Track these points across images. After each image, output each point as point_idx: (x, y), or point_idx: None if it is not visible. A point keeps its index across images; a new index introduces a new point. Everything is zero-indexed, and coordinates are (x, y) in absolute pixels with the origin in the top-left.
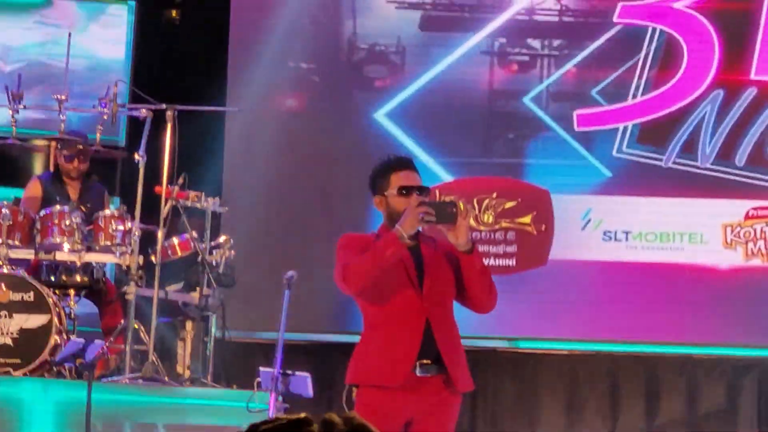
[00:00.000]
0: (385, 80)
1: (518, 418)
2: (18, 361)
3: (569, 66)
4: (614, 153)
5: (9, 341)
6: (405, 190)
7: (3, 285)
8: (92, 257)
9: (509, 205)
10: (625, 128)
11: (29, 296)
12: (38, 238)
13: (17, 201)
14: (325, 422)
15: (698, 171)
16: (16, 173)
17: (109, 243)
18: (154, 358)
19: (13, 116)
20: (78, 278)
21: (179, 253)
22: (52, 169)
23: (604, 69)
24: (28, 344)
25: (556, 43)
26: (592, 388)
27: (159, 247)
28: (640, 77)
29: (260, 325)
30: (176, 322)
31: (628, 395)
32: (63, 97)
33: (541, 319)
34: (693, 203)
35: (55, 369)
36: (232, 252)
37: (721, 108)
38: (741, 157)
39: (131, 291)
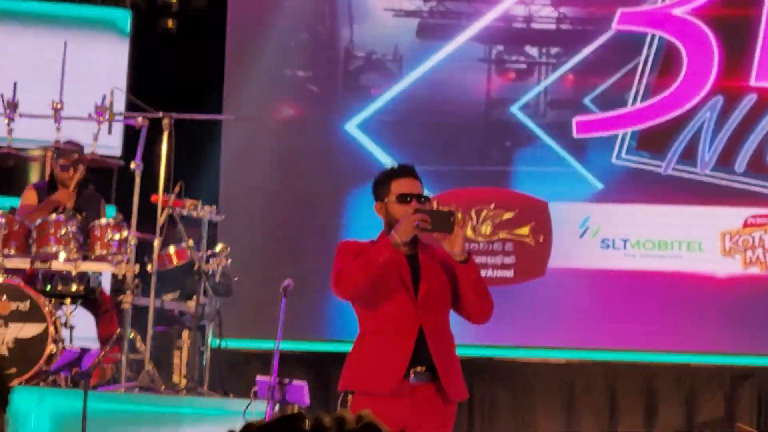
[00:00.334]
0: (382, 88)
1: (515, 428)
2: (14, 370)
3: (567, 73)
4: (613, 160)
5: (5, 351)
6: (404, 198)
7: (5, 296)
8: (88, 266)
9: (507, 216)
10: (624, 135)
11: (25, 305)
12: (34, 247)
13: (13, 210)
14: (317, 419)
15: (697, 178)
16: (11, 182)
17: (105, 252)
18: (150, 367)
19: (8, 125)
20: (74, 287)
21: (175, 262)
22: (47, 178)
23: (602, 76)
24: (24, 353)
25: (553, 50)
26: (589, 397)
27: (155, 256)
28: (639, 83)
29: (257, 333)
30: (172, 331)
31: (625, 404)
32: (59, 106)
33: (538, 328)
34: (692, 211)
35: (51, 378)
36: (229, 261)
37: (720, 114)
38: (741, 164)
39: (127, 300)
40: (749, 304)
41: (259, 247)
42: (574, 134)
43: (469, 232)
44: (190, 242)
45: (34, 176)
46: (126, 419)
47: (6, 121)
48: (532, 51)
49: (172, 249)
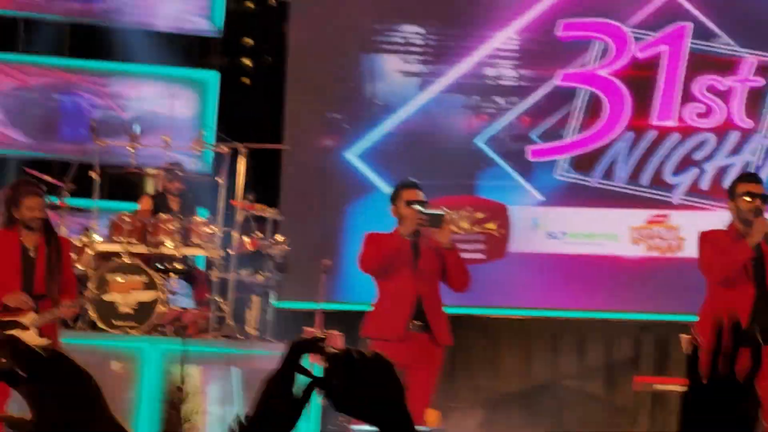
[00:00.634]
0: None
1: (485, 364)
2: (135, 324)
3: (521, 115)
4: (556, 176)
5: (130, 310)
6: (409, 203)
7: (130, 272)
8: (187, 251)
9: (479, 215)
10: (563, 160)
11: (143, 278)
12: (149, 238)
13: (135, 212)
14: (347, 350)
15: (614, 189)
16: (133, 192)
17: (199, 241)
18: (230, 322)
19: (132, 152)
20: (177, 266)
21: (249, 248)
22: (159, 189)
23: (545, 117)
24: (143, 313)
25: (512, 99)
26: (537, 342)
27: (235, 243)
28: (573, 123)
29: (305, 297)
30: (246, 296)
31: (563, 347)
32: (168, 139)
33: (502, 294)
34: (610, 212)
35: (160, 330)
36: (286, 247)
37: (631, 145)
38: (645, 179)
39: (215, 274)
40: (650, 276)
41: (306, 238)
42: (529, 158)
43: (454, 227)
44: (259, 234)
45: (149, 188)
46: (213, 358)
47: (131, 149)
48: (499, 99)
49: (246, 239)
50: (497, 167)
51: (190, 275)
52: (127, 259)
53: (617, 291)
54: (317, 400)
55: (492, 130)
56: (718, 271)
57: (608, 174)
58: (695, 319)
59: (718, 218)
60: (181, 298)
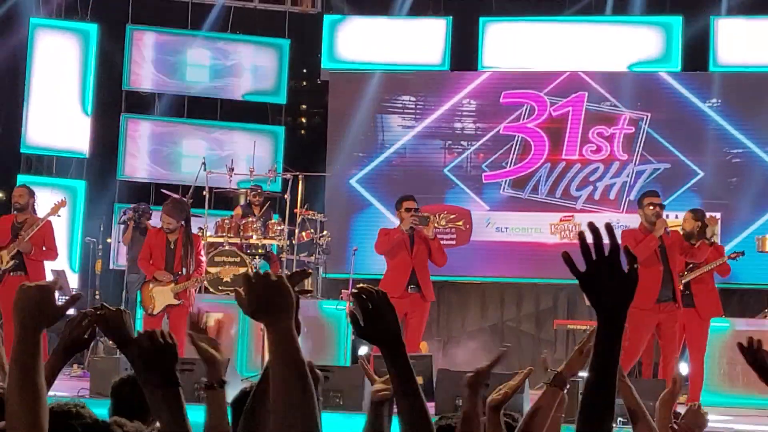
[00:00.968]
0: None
1: (458, 314)
2: (232, 289)
3: (476, 152)
4: (501, 192)
5: (229, 280)
6: (408, 210)
7: (226, 256)
8: (265, 242)
9: (452, 216)
10: (505, 181)
11: (237, 259)
12: (241, 233)
13: (231, 217)
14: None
15: (538, 200)
16: (230, 204)
17: (273, 235)
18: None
19: (229, 178)
20: (259, 251)
21: (305, 239)
22: (247, 201)
23: (493, 153)
24: (237, 281)
25: (472, 142)
26: (491, 299)
27: (296, 236)
28: (511, 157)
29: (341, 271)
30: (304, 269)
31: (508, 300)
32: (253, 170)
33: (466, 266)
34: (536, 214)
35: (244, 279)
36: (330, 239)
37: (549, 171)
38: (558, 193)
39: (283, 256)
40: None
41: (344, 233)
42: (483, 180)
43: (436, 224)
44: (311, 230)
45: (240, 201)
46: None
47: (228, 176)
48: (462, 142)
49: (304, 233)
50: (458, 187)
51: (267, 257)
52: (227, 247)
53: (541, 264)
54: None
55: (456, 163)
56: (637, 255)
57: (534, 190)
58: None
59: (606, 218)
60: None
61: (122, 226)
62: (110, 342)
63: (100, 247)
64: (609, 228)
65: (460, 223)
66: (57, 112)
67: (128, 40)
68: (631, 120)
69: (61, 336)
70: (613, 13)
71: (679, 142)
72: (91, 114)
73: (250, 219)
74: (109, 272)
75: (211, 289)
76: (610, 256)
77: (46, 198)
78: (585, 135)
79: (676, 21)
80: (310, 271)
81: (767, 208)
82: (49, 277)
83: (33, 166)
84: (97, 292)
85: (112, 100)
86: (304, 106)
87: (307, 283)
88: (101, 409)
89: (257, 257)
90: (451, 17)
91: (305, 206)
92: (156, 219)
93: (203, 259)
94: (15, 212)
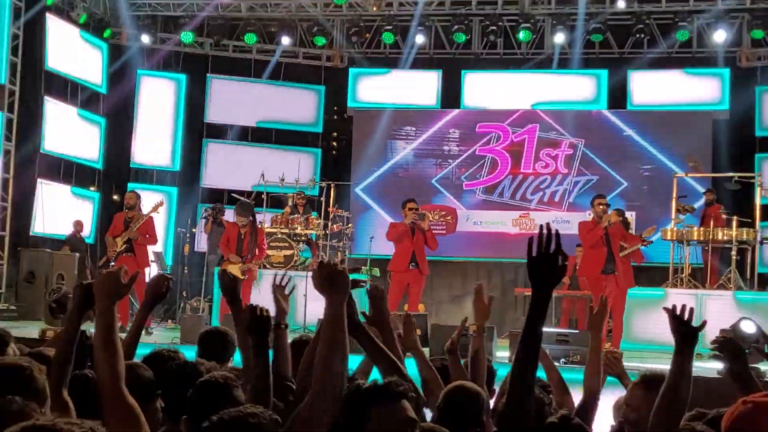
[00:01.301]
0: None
1: (445, 284)
2: (283, 266)
3: (458, 167)
4: (476, 196)
5: (281, 260)
6: (410, 210)
7: (279, 242)
8: (307, 231)
9: (442, 213)
10: (479, 188)
11: (286, 244)
12: (289, 225)
13: (282, 213)
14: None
15: (504, 202)
16: (281, 205)
17: (312, 227)
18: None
19: (281, 186)
20: (302, 239)
21: (335, 230)
22: (293, 203)
23: (469, 168)
24: (287, 261)
25: (455, 159)
26: (465, 273)
27: (329, 228)
28: (482, 171)
29: (362, 253)
30: (335, 252)
31: (481, 274)
32: (297, 179)
33: (453, 249)
34: (502, 212)
35: (317, 264)
36: (353, 230)
37: (511, 182)
38: (517, 197)
39: (320, 243)
40: (521, 241)
41: (366, 226)
42: (463, 188)
43: (430, 219)
44: (340, 224)
45: (289, 202)
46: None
47: (280, 185)
48: (449, 159)
49: (334, 225)
50: (445, 193)
51: (309, 243)
52: (279, 235)
53: (505, 248)
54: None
55: (444, 174)
56: (589, 240)
57: (500, 194)
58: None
59: (552, 216)
60: (303, 255)
61: (203, 221)
62: (194, 303)
63: (188, 235)
64: (557, 233)
65: (449, 218)
66: (156, 138)
67: (208, 85)
68: (570, 144)
69: (145, 293)
70: (558, 68)
71: (605, 160)
72: (181, 139)
73: (296, 215)
74: (194, 254)
75: (267, 267)
76: (553, 253)
77: (148, 200)
78: (537, 155)
79: (604, 73)
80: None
81: (668, 208)
82: (151, 257)
83: (140, 177)
84: (185, 268)
85: (196, 129)
86: (335, 134)
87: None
88: (190, 352)
89: (300, 243)
90: (441, 70)
91: (335, 206)
92: (228, 215)
93: (265, 247)
94: (126, 210)
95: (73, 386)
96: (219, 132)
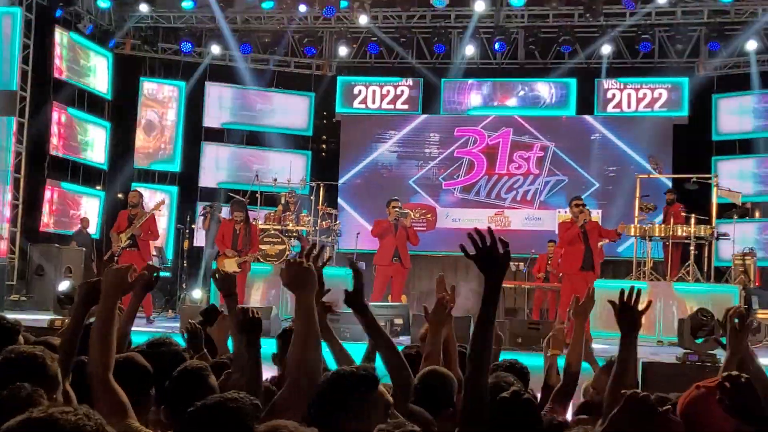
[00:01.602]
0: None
1: (424, 280)
2: (276, 260)
3: (436, 167)
4: (454, 195)
5: (273, 254)
6: (393, 208)
7: (272, 237)
8: (298, 228)
9: (423, 211)
10: (457, 187)
11: (279, 240)
12: (281, 222)
13: (275, 211)
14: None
15: (480, 200)
16: (275, 203)
17: (303, 223)
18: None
19: (274, 186)
20: (294, 235)
21: (324, 227)
22: (285, 201)
23: (446, 169)
24: (279, 255)
25: (432, 161)
26: (446, 265)
27: (318, 224)
28: (459, 172)
29: (349, 247)
30: (324, 247)
31: (459, 267)
32: (289, 179)
33: (433, 244)
34: (478, 210)
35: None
36: (339, 226)
37: (486, 182)
38: (492, 196)
39: (309, 238)
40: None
41: (349, 222)
42: (443, 187)
43: (412, 216)
44: (329, 221)
45: (282, 200)
46: None
47: (273, 184)
48: (429, 161)
49: (323, 222)
50: (423, 192)
51: (299, 238)
52: (272, 231)
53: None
54: None
55: (424, 174)
56: (567, 238)
57: (477, 194)
58: (526, 256)
59: (524, 214)
60: (295, 249)
61: (201, 218)
62: (194, 296)
63: (187, 231)
64: (489, 230)
65: (429, 215)
66: (158, 140)
67: (206, 92)
68: (542, 147)
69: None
70: (530, 76)
71: (575, 162)
72: (181, 142)
73: (288, 213)
74: (193, 248)
75: (261, 260)
76: (492, 245)
77: (151, 198)
78: (511, 157)
79: (573, 81)
80: (327, 258)
81: (632, 207)
82: (153, 252)
83: (142, 177)
84: (185, 261)
85: (195, 133)
86: (324, 137)
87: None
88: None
89: (292, 238)
90: (422, 79)
91: (324, 204)
92: (225, 212)
93: (258, 241)
94: (130, 208)
95: (73, 372)
96: (216, 135)
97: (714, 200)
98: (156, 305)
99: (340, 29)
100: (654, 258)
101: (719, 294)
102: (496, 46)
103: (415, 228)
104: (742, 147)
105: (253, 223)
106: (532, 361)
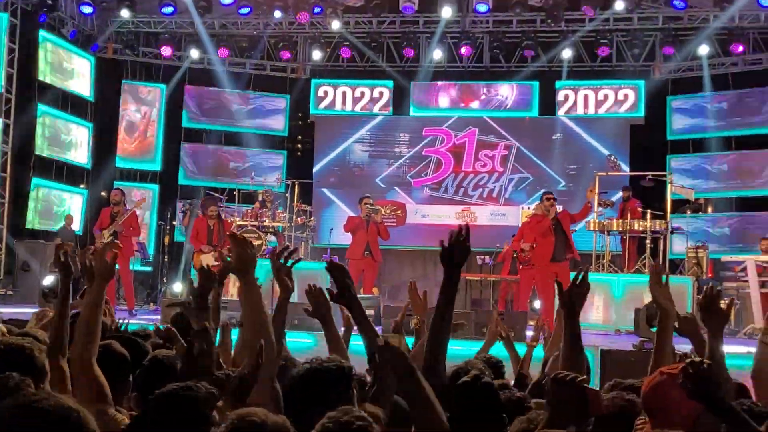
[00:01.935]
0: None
1: (395, 273)
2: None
3: (406, 165)
4: (423, 192)
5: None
6: (365, 205)
7: (249, 233)
8: (274, 224)
9: (393, 207)
10: (427, 185)
11: (255, 235)
12: (258, 218)
13: (252, 208)
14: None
15: (448, 197)
16: (252, 200)
17: (279, 220)
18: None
19: (251, 182)
20: (270, 231)
21: (299, 223)
22: (262, 198)
23: (425, 169)
24: (255, 251)
25: (407, 160)
26: (416, 258)
27: (294, 221)
28: (431, 170)
29: (323, 243)
30: (299, 243)
31: (428, 261)
32: (266, 178)
33: (405, 238)
34: (446, 206)
35: (262, 255)
36: (314, 222)
37: (453, 179)
38: (460, 193)
39: (285, 233)
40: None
41: (323, 218)
42: (412, 185)
43: (383, 213)
44: (304, 217)
45: (259, 198)
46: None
47: (251, 182)
48: (399, 160)
49: (299, 219)
50: (395, 189)
51: (276, 234)
52: (249, 227)
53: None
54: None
55: (394, 173)
56: (537, 230)
57: (445, 191)
58: (491, 250)
59: (490, 210)
60: (271, 244)
61: (181, 214)
62: (174, 290)
63: (168, 228)
64: (466, 226)
65: (399, 212)
66: (139, 140)
67: (185, 94)
68: (506, 146)
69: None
70: (495, 79)
71: (538, 160)
72: (161, 142)
73: (264, 210)
74: (173, 244)
75: None
76: (458, 244)
77: (133, 196)
78: (477, 155)
79: (536, 84)
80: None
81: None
82: (135, 247)
83: (124, 176)
84: (165, 257)
85: (175, 134)
86: (299, 137)
87: (303, 251)
88: None
89: (268, 234)
90: (393, 81)
91: (299, 201)
92: None
93: None
94: (112, 205)
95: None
96: (195, 135)
97: (669, 196)
98: (138, 298)
99: (313, 34)
100: (612, 251)
101: (674, 285)
102: (463, 50)
103: (385, 224)
104: (695, 146)
105: (225, 219)
106: (496, 350)
